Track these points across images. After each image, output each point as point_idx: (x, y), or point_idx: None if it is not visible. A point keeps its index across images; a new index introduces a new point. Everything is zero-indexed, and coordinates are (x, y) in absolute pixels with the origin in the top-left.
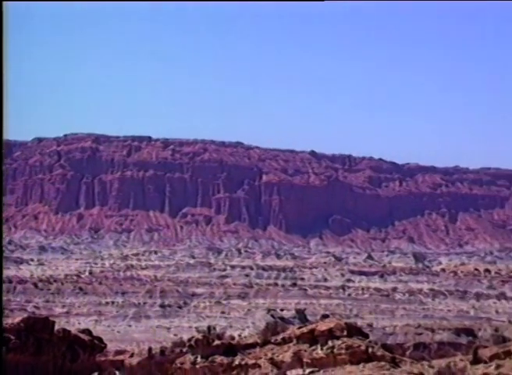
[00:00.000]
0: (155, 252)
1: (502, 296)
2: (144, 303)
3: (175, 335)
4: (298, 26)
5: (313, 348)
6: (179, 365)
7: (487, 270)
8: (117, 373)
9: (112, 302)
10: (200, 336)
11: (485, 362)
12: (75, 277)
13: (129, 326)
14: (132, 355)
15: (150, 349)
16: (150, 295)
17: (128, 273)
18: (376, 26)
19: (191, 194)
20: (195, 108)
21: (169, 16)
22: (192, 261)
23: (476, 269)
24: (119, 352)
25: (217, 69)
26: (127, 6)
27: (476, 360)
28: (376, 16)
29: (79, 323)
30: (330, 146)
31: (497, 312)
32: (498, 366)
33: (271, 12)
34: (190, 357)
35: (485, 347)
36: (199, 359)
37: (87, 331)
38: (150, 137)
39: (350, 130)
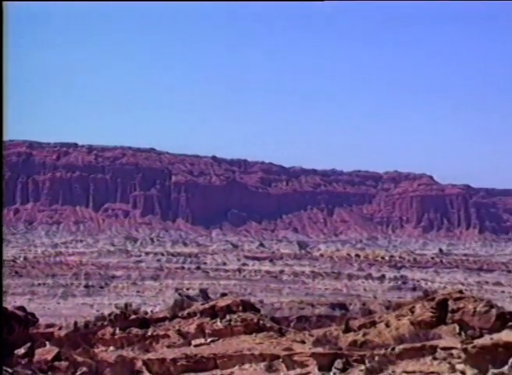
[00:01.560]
0: (81, 241)
1: (369, 276)
2: (71, 284)
3: (97, 311)
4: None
5: (214, 320)
6: (100, 336)
7: (357, 255)
8: (47, 343)
9: (44, 283)
10: (118, 311)
11: (355, 331)
12: (11, 262)
13: (58, 303)
14: (60, 328)
15: (76, 323)
16: (76, 277)
17: (57, 259)
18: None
19: (111, 192)
20: (115, 118)
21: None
22: (112, 248)
23: (348, 255)
24: (49, 326)
25: (134, 81)
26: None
27: (347, 329)
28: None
29: (15, 302)
30: (229, 152)
31: (365, 289)
32: (365, 334)
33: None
34: (110, 329)
35: (355, 318)
36: (117, 331)
37: (22, 308)
38: (76, 144)
39: (246, 137)
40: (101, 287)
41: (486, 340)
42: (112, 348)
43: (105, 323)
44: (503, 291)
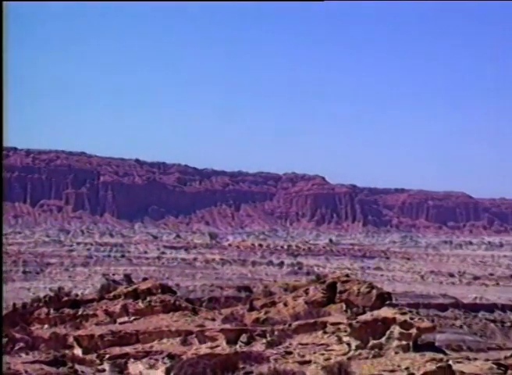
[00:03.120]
0: (19, 233)
1: (270, 263)
2: (11, 270)
3: (34, 294)
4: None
5: (136, 301)
6: (36, 315)
7: (260, 245)
8: None
9: None
10: (52, 294)
11: (258, 310)
12: None
13: None
14: None
15: (14, 304)
16: (15, 264)
17: None
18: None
19: (46, 190)
20: (51, 124)
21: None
22: (47, 239)
23: (252, 244)
24: None
25: (64, 86)
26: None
27: (251, 308)
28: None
29: None
30: (150, 155)
31: (266, 274)
32: (266, 312)
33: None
34: (45, 310)
35: (258, 299)
36: (52, 311)
37: None
38: (16, 148)
39: (165, 142)
40: (38, 273)
41: (368, 316)
42: (46, 326)
43: (41, 304)
44: (382, 275)
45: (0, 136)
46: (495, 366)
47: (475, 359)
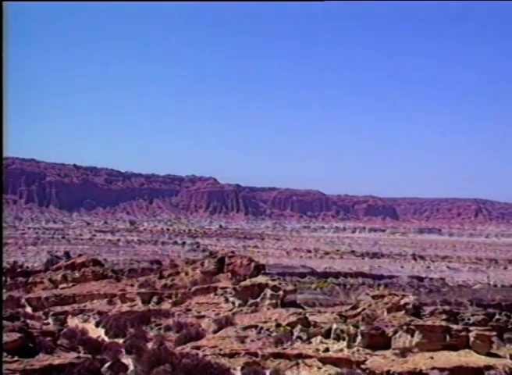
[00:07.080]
0: None
1: (175, 243)
2: None
3: None
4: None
5: (73, 272)
6: None
7: (168, 229)
8: None
9: None
10: (9, 266)
11: (166, 278)
12: None
13: None
14: None
15: None
16: None
17: None
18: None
19: (5, 188)
20: (7, 134)
21: None
22: (5, 225)
23: (162, 229)
24: None
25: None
26: None
27: (161, 277)
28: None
29: None
30: (84, 161)
31: (172, 251)
32: (172, 279)
33: None
34: (3, 278)
35: (166, 270)
36: (9, 279)
37: None
38: None
39: (96, 150)
40: None
41: (247, 282)
42: (4, 290)
43: None
44: (258, 251)
45: (0, 138)
46: (338, 317)
47: (325, 312)
